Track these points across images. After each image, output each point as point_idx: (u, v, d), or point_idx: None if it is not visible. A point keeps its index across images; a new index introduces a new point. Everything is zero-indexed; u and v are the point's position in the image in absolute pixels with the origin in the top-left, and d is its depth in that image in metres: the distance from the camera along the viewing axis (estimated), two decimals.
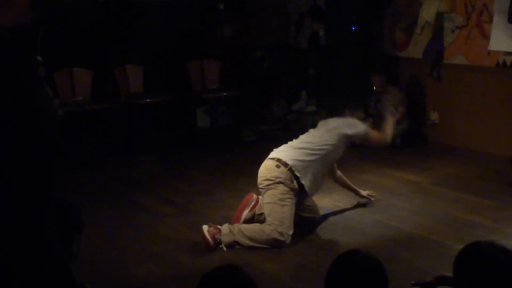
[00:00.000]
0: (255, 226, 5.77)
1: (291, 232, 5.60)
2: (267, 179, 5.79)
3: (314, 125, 6.50)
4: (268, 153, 5.96)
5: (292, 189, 5.71)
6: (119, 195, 7.25)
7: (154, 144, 8.87)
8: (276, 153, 5.97)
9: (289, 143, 6.16)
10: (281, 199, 5.65)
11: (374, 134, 6.44)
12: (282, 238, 5.55)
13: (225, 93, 9.77)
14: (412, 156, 8.57)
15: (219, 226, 5.71)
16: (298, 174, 5.72)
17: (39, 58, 5.98)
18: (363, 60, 9.42)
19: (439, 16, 8.91)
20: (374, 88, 9.09)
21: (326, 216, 6.37)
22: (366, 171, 7.91)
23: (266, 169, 5.87)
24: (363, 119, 8.93)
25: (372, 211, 6.51)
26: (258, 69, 11.02)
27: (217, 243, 5.61)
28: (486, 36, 8.33)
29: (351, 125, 6.26)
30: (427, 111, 9.36)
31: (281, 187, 5.68)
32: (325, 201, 6.80)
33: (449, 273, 2.99)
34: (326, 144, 5.98)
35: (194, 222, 6.10)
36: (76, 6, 9.08)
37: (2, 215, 1.21)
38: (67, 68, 8.74)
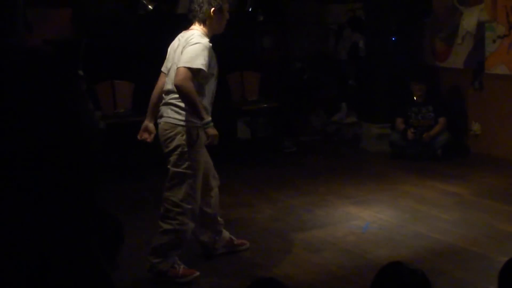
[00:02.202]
0: None
1: None
2: None
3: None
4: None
5: None
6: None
7: None
8: None
9: None
10: None
11: None
12: None
13: (265, 105, 9.78)
14: (453, 167, 8.49)
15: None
16: None
17: (80, 72, 6.05)
18: (403, 70, 9.38)
19: (480, 26, 8.85)
20: (415, 98, 9.03)
21: (367, 228, 6.33)
22: (407, 183, 7.86)
23: None
24: (404, 130, 8.93)
25: (413, 222, 6.46)
26: (297, 81, 11.03)
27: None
28: None
29: None
30: (469, 122, 9.28)
31: None
32: (365, 213, 6.77)
33: (493, 286, 2.95)
34: None
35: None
36: (117, 19, 9.17)
37: (46, 226, 1.23)
38: (109, 81, 8.82)
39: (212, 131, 5.05)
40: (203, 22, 5.25)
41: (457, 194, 7.37)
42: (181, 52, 5.09)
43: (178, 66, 5.02)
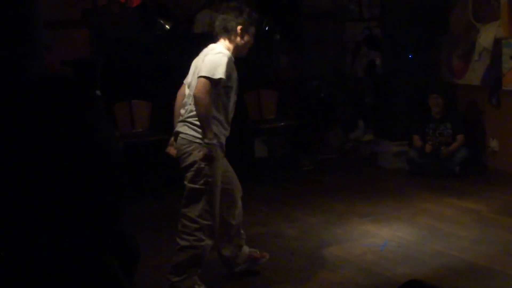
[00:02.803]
0: None
1: None
2: None
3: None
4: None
5: None
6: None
7: None
8: None
9: None
10: None
11: None
12: None
13: (282, 123, 9.79)
14: (471, 184, 8.46)
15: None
16: None
17: (98, 92, 6.08)
18: (420, 88, 9.38)
19: (497, 42, 8.84)
20: (432, 114, 9.01)
21: (385, 246, 6.32)
22: (425, 200, 7.83)
23: None
24: (421, 147, 8.92)
25: (432, 240, 6.44)
26: (314, 99, 11.04)
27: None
28: None
29: None
30: (487, 139, 9.26)
31: None
32: (383, 231, 6.75)
33: None
34: None
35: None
36: (135, 39, 9.24)
37: (68, 246, 1.25)
38: (127, 100, 8.86)
39: (204, 152, 5.05)
40: (228, 38, 5.28)
41: (475, 211, 7.34)
42: (203, 61, 5.13)
43: (199, 75, 5.04)
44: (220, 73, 5.03)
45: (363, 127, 10.82)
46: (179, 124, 5.25)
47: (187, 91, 5.33)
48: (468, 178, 8.72)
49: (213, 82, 5.01)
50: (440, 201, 7.79)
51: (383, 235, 6.63)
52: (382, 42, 10.19)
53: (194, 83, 5.15)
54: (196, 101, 5.03)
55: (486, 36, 8.95)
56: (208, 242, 5.23)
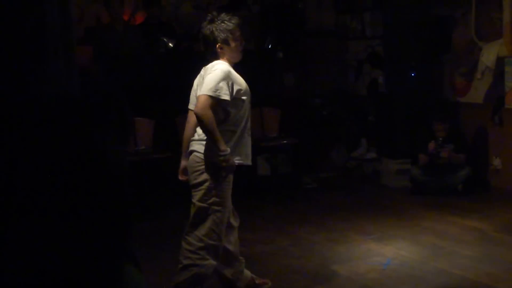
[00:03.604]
0: None
1: None
2: None
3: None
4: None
5: None
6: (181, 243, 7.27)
7: None
8: None
9: None
10: None
11: None
12: None
13: (284, 141, 9.80)
14: (474, 203, 8.45)
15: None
16: None
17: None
18: (423, 106, 9.39)
19: (500, 61, 8.85)
20: (436, 134, 9.00)
21: (388, 264, 6.31)
22: (428, 218, 7.82)
23: None
24: (425, 165, 8.91)
25: (435, 259, 6.42)
26: (317, 117, 11.06)
27: None
28: None
29: None
30: (489, 157, 9.25)
31: None
32: (386, 249, 6.74)
33: None
34: None
35: (256, 271, 6.08)
36: (138, 56, 9.26)
37: (78, 267, 1.24)
38: None
39: (227, 163, 5.06)
40: (217, 58, 5.26)
41: (478, 230, 7.33)
42: (203, 80, 5.13)
43: (199, 94, 5.05)
44: (221, 93, 5.02)
45: (365, 145, 10.82)
46: (194, 143, 5.24)
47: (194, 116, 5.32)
48: (471, 196, 8.71)
49: (213, 99, 5.00)
50: (443, 219, 7.78)
51: (386, 253, 6.62)
52: (385, 61, 10.20)
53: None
54: (198, 118, 5.03)
55: (489, 55, 8.96)
56: (212, 262, 5.21)
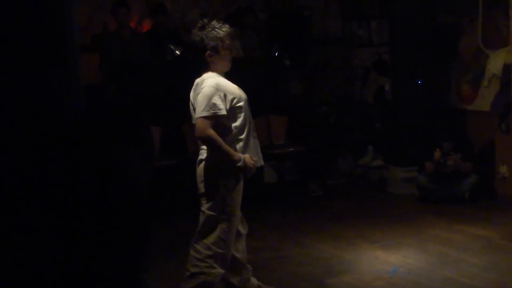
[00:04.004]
0: None
1: None
2: None
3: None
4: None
5: None
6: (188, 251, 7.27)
7: None
8: None
9: None
10: None
11: None
12: None
13: (291, 148, 9.79)
14: (481, 211, 8.43)
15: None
16: None
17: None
18: (430, 113, 9.40)
19: (507, 68, 8.84)
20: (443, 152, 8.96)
21: (394, 272, 6.30)
22: (435, 226, 7.81)
23: None
24: (431, 173, 8.90)
25: (442, 266, 6.41)
26: (323, 124, 11.06)
27: None
28: None
29: None
30: (496, 165, 9.23)
31: None
32: (393, 257, 6.73)
33: None
34: None
35: (263, 279, 6.08)
36: (145, 64, 9.28)
37: (98, 276, 1.24)
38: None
39: (246, 168, 5.08)
40: (206, 67, 5.23)
41: (485, 238, 7.31)
42: (196, 98, 5.12)
43: (196, 117, 5.05)
44: (213, 106, 5.01)
45: (372, 152, 10.81)
46: (203, 152, 5.25)
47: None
48: (477, 204, 8.69)
49: (210, 118, 5.00)
50: (450, 227, 7.77)
51: (393, 261, 6.61)
52: (392, 68, 10.20)
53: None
54: (203, 141, 5.07)
55: (496, 62, 8.96)
56: (220, 270, 5.21)
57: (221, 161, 5.10)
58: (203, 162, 5.20)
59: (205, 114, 4.99)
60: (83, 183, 1.10)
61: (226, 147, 5.03)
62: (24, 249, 1.08)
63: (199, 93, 5.09)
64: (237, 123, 5.17)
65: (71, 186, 1.09)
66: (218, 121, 5.07)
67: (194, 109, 5.19)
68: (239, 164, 5.04)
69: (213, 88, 5.06)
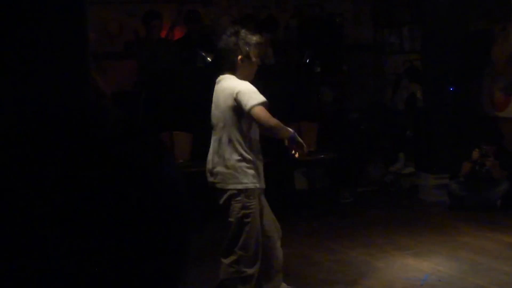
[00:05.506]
0: None
1: None
2: None
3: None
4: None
5: None
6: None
7: None
8: None
9: None
10: None
11: None
12: None
13: (322, 155, 9.78)
14: None
15: None
16: None
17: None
18: (462, 121, 9.36)
19: None
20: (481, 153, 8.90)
21: (425, 280, 6.27)
22: (466, 234, 7.77)
23: None
24: (467, 174, 8.85)
25: (473, 274, 6.37)
26: (355, 131, 11.05)
27: None
28: None
29: None
30: None
31: None
32: (424, 265, 6.71)
33: None
34: None
35: (293, 285, 6.08)
36: (176, 71, 9.34)
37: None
38: (168, 131, 8.94)
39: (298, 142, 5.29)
40: (231, 71, 5.21)
41: None
42: (231, 108, 5.11)
43: (247, 110, 4.99)
44: (257, 93, 5.03)
45: (403, 159, 10.78)
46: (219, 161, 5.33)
47: (214, 137, 5.34)
48: (510, 212, 8.62)
49: (263, 104, 5.00)
50: (482, 235, 7.72)
51: (424, 269, 6.58)
52: (423, 75, 10.18)
53: (221, 125, 5.21)
54: (268, 127, 5.10)
55: None
56: (249, 272, 5.22)
57: (236, 174, 5.16)
58: (222, 171, 5.27)
59: (261, 100, 4.99)
60: (131, 193, 1.12)
61: (281, 124, 5.19)
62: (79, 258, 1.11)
63: (237, 93, 5.05)
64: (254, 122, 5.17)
65: (121, 198, 1.11)
66: (244, 116, 5.08)
67: (216, 107, 5.27)
68: (293, 135, 5.22)
69: (248, 83, 5.09)
